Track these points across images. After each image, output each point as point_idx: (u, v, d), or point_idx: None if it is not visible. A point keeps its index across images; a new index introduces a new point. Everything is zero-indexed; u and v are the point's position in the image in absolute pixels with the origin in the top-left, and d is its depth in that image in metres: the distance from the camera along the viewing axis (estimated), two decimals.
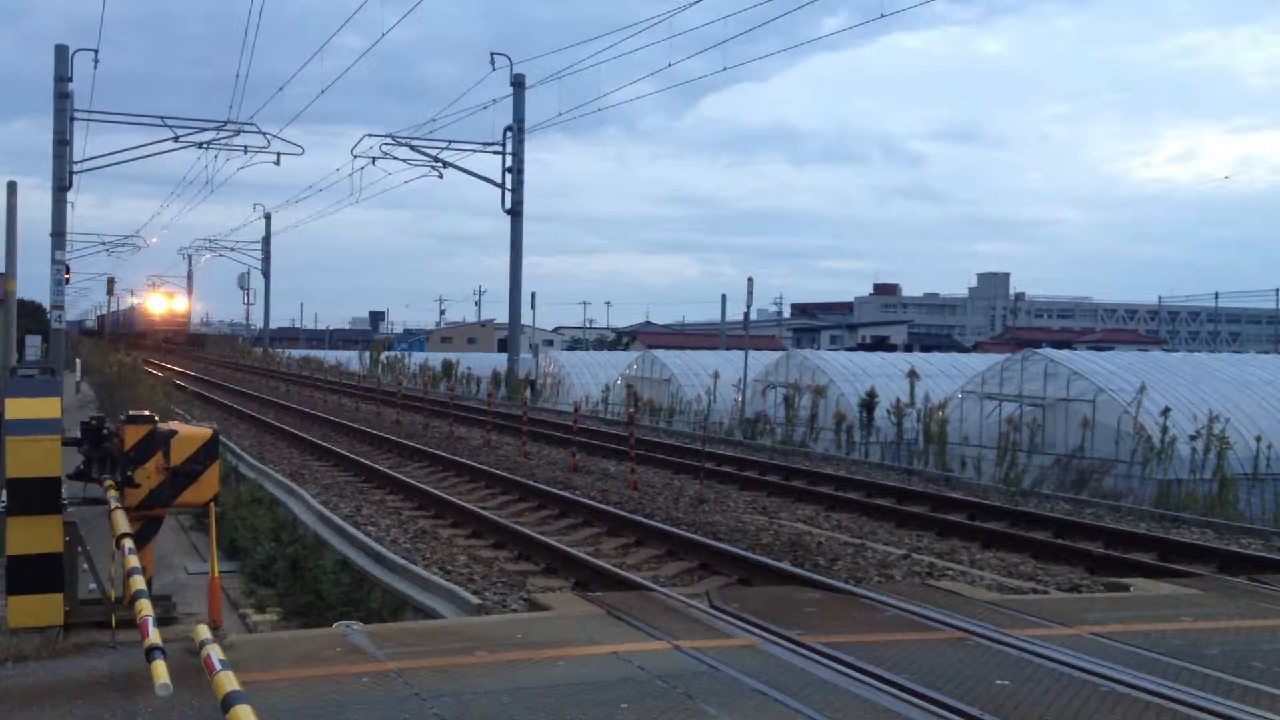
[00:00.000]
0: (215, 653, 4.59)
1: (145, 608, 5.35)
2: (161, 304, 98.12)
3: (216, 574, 7.59)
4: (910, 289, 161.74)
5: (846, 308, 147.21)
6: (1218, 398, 24.31)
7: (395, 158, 39.33)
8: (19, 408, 7.51)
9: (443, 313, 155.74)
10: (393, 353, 63.33)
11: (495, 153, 38.15)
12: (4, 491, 7.67)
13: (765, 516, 14.02)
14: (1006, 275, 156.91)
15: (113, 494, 7.62)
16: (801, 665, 6.62)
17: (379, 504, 14.95)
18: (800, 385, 29.27)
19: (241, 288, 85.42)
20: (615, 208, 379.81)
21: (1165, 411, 20.48)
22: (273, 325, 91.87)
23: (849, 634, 7.37)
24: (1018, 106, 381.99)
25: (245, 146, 38.03)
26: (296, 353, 73.31)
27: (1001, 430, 21.83)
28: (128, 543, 6.52)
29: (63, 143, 31.73)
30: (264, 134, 37.86)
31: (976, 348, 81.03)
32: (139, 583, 5.80)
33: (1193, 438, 19.43)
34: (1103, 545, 12.25)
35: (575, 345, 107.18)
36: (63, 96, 32.00)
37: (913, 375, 25.26)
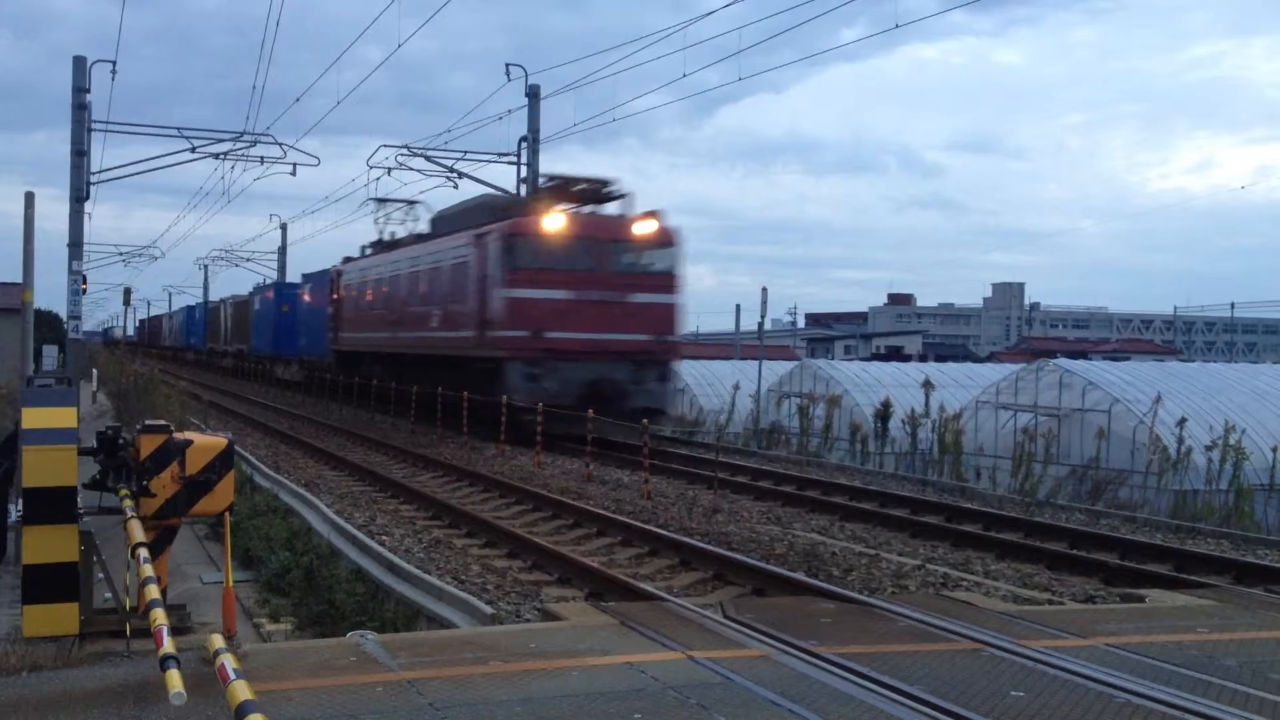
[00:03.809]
0: (229, 662, 4.60)
1: (160, 617, 5.37)
2: (609, 229, 24.08)
3: (231, 583, 7.62)
4: (925, 299, 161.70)
5: (861, 318, 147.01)
6: (1234, 408, 24.18)
7: (411, 168, 39.30)
8: (36, 417, 7.56)
9: None
10: None
11: (510, 163, 38.13)
12: (20, 500, 7.71)
13: (779, 526, 14.00)
14: (1021, 285, 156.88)
15: (128, 503, 7.65)
16: (815, 676, 6.60)
17: (393, 513, 14.97)
18: (815, 395, 29.21)
19: None
20: None
21: (1181, 422, 20.38)
22: None
23: (863, 645, 7.35)
24: (1035, 117, 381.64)
25: (262, 157, 38.08)
26: None
27: (1017, 440, 21.75)
28: (143, 552, 6.54)
29: (80, 154, 31.86)
30: (280, 145, 37.91)
31: (991, 358, 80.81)
32: (154, 592, 5.82)
33: (1209, 448, 19.33)
34: (1118, 556, 12.18)
35: None
36: (80, 108, 32.15)
37: (928, 385, 25.18)
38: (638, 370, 23.36)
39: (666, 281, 24.09)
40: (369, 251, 36.78)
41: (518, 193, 36.51)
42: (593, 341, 22.98)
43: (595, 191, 24.83)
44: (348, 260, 38.41)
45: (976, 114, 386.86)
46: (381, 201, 37.94)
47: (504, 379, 22.79)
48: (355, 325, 35.74)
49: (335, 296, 38.32)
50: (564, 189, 24.71)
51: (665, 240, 24.14)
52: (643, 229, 23.93)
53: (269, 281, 53.99)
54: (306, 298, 45.73)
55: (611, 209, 24.87)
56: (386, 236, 36.50)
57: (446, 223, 29.20)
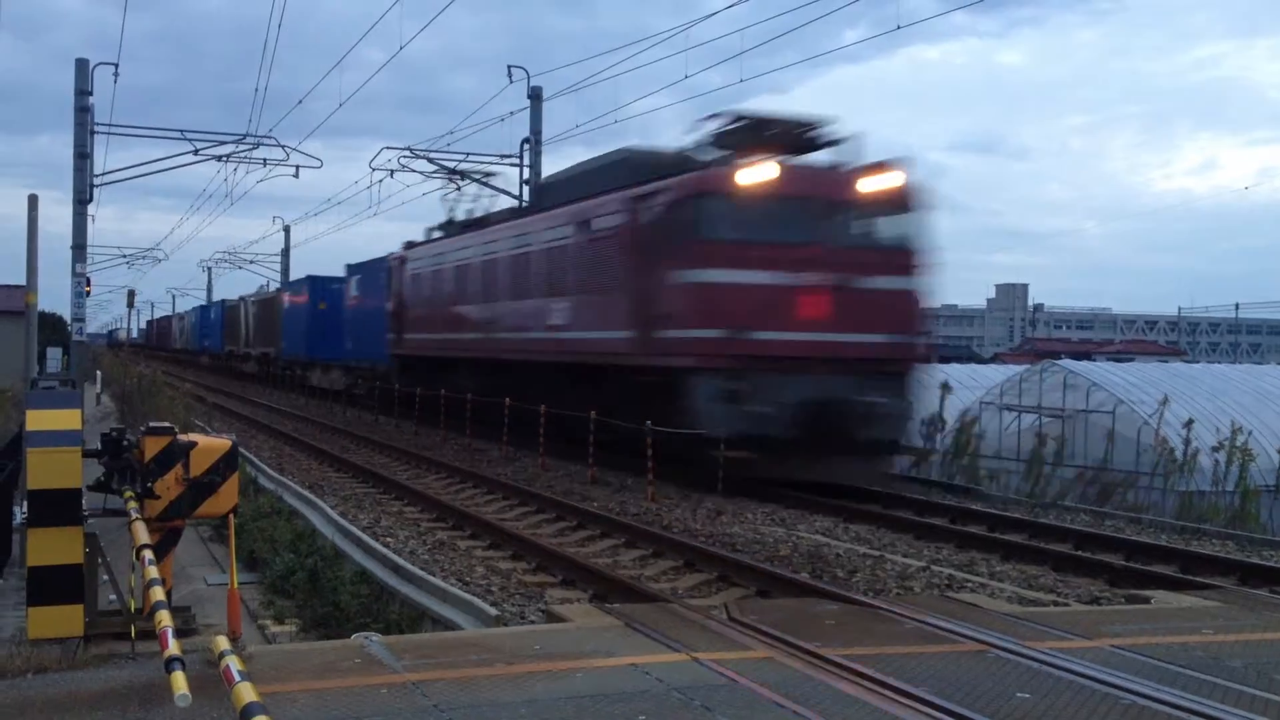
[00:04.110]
0: (234, 664, 4.60)
1: (165, 619, 5.37)
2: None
3: (235, 585, 7.62)
4: None
5: None
6: (1239, 409, 24.12)
7: (413, 170, 39.43)
8: (40, 419, 7.57)
9: None
10: None
11: (513, 165, 38.24)
12: (25, 503, 7.72)
13: (783, 528, 13.98)
14: (1025, 286, 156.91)
15: (133, 505, 7.65)
16: (820, 678, 6.59)
17: (397, 515, 14.97)
18: None
19: None
20: None
21: (1188, 424, 20.33)
22: None
23: (868, 646, 7.34)
24: (1038, 118, 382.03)
25: (264, 160, 38.13)
26: None
27: (1023, 442, 21.67)
28: (147, 554, 6.55)
29: (83, 156, 31.90)
30: (283, 147, 37.92)
31: (995, 359, 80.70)
32: (158, 594, 5.82)
33: (1215, 449, 19.29)
34: (1123, 557, 12.17)
35: None
36: (83, 110, 32.19)
37: (945, 388, 24.94)
38: (871, 385, 16.68)
39: (907, 259, 17.24)
40: (436, 235, 30.18)
41: (522, 194, 36.47)
42: (819, 345, 16.38)
43: (800, 136, 17.67)
44: (411, 245, 31.09)
45: (979, 115, 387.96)
46: (454, 172, 32.17)
47: (688, 399, 16.27)
48: (426, 324, 28.57)
49: (396, 290, 30.92)
50: (754, 132, 17.34)
51: (906, 202, 17.28)
52: (877, 185, 17.05)
53: (304, 276, 45.32)
54: (353, 292, 38.66)
55: (821, 159, 17.87)
56: (460, 215, 30.54)
57: (563, 189, 22.24)
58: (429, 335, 28.34)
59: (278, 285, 66.22)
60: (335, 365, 39.91)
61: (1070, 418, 24.99)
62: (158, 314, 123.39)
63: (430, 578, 10.38)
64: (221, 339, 66.58)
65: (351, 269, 39.82)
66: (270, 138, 37.57)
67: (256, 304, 56.70)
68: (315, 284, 44.14)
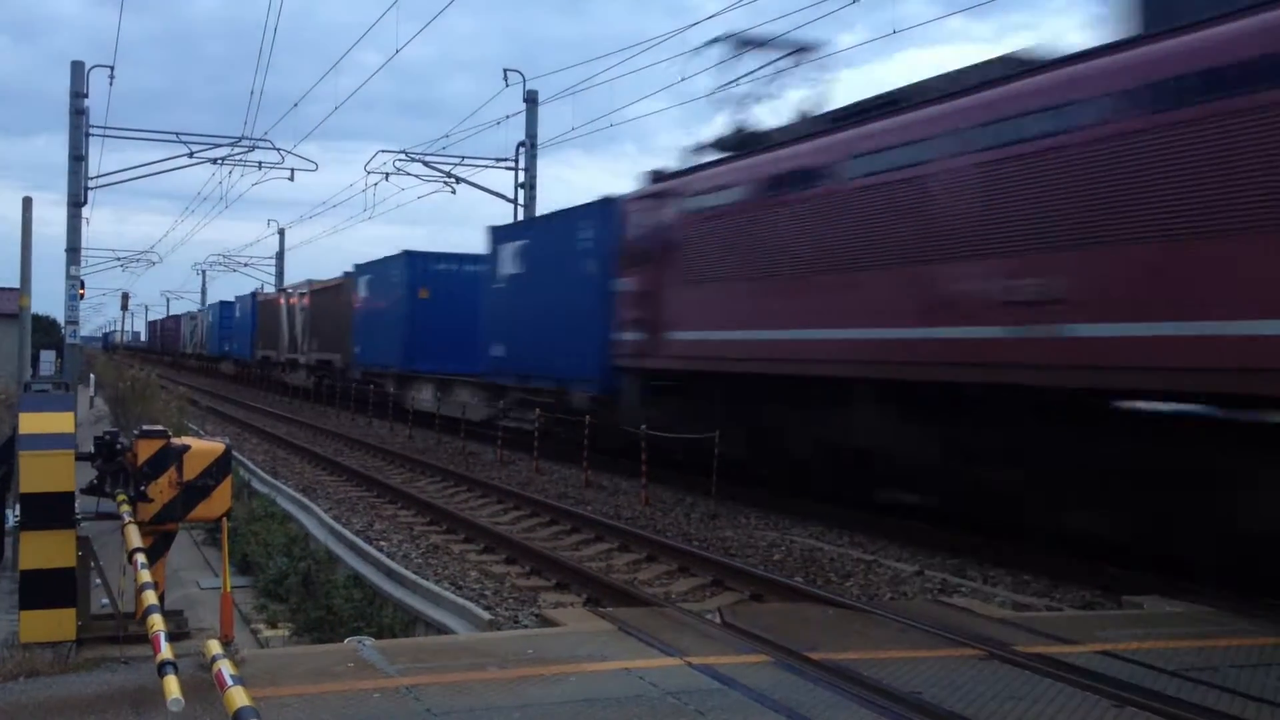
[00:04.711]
0: (227, 668, 4.59)
1: (157, 623, 5.36)
2: None
3: (229, 589, 7.62)
4: None
5: None
6: None
7: (408, 173, 39.44)
8: (33, 422, 7.56)
9: None
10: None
11: (508, 168, 38.29)
12: (18, 506, 7.71)
13: (777, 532, 13.99)
14: None
15: (125, 509, 7.64)
16: (813, 683, 6.60)
17: (391, 519, 14.97)
18: None
19: None
20: None
21: None
22: None
23: (860, 651, 7.34)
24: None
25: (260, 162, 38.17)
26: None
27: None
28: (140, 558, 6.53)
29: (78, 158, 31.87)
30: (278, 150, 37.97)
31: None
32: (151, 598, 5.81)
33: None
34: (1117, 562, 12.16)
35: None
36: (78, 113, 32.18)
37: None
38: None
39: None
40: (707, 158, 17.24)
41: (518, 198, 36.41)
42: None
43: None
44: (660, 177, 18.19)
45: None
46: (749, 44, 17.82)
47: None
48: (744, 313, 15.29)
49: (645, 256, 17.78)
50: None
51: None
52: None
53: (400, 251, 32.84)
54: (508, 269, 24.77)
55: None
56: (745, 125, 17.11)
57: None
58: (758, 334, 15.07)
59: (272, 286, 65.06)
60: (464, 383, 27.68)
61: None
62: (152, 317, 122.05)
63: (424, 582, 10.38)
64: (251, 342, 54.69)
65: (499, 232, 26.17)
66: (266, 140, 37.65)
67: (311, 295, 43.17)
68: (414, 262, 31.64)
